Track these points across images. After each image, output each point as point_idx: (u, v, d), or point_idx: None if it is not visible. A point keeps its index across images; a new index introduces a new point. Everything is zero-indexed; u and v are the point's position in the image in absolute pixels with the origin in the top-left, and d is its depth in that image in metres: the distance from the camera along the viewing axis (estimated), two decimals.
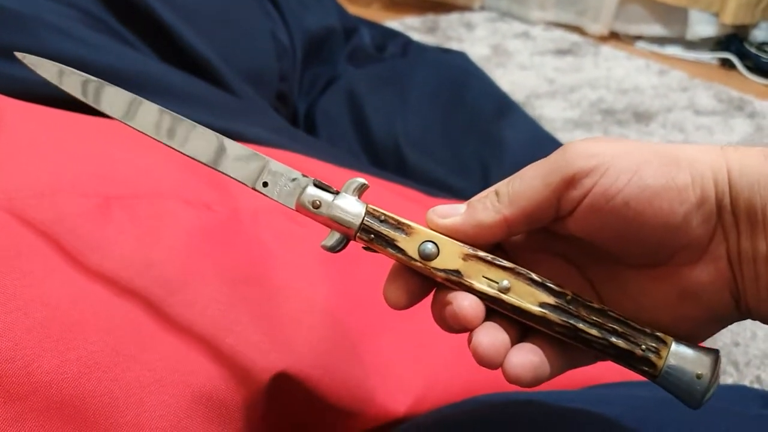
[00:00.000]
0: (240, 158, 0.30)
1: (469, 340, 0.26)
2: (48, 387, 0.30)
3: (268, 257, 0.41)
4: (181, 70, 0.61)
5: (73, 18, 0.56)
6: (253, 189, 0.29)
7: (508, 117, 0.84)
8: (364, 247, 0.29)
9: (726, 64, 1.54)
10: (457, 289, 0.27)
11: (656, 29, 1.65)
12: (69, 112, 0.45)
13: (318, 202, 0.28)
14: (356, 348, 0.39)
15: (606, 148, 0.25)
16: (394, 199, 0.57)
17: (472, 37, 1.66)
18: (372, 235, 0.28)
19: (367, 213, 0.28)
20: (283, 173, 0.29)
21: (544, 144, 0.84)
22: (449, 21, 1.74)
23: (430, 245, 0.27)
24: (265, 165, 0.29)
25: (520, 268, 0.27)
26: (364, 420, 0.38)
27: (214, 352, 0.34)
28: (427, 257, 0.27)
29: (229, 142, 0.30)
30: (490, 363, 0.26)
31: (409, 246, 0.28)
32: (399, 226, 0.28)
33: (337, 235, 0.28)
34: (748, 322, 0.77)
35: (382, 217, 0.28)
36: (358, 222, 0.28)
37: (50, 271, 0.33)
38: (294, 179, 0.29)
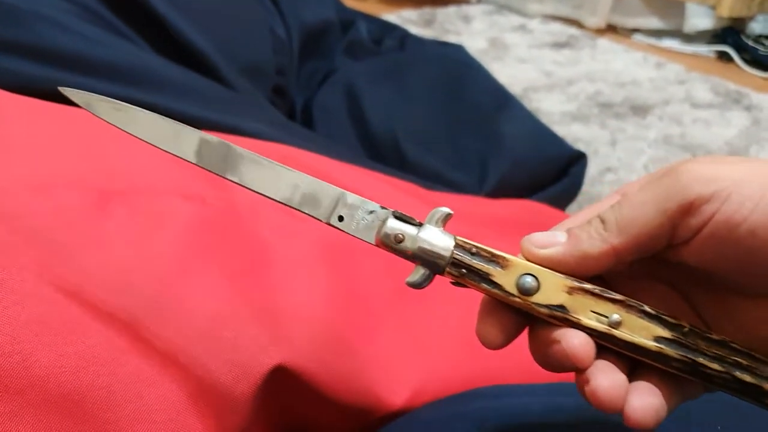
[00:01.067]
0: (312, 191, 0.28)
1: (582, 381, 0.24)
2: (46, 381, 0.30)
3: (266, 251, 0.41)
4: (178, 64, 0.61)
5: (71, 12, 0.56)
6: (328, 224, 0.27)
7: (507, 111, 0.84)
8: (453, 282, 0.27)
9: (723, 56, 1.54)
10: (561, 325, 0.25)
11: (653, 22, 1.65)
12: (66, 106, 0.45)
13: (401, 236, 0.26)
14: (354, 341, 0.40)
15: (726, 171, 0.23)
16: (393, 192, 0.57)
17: (469, 30, 1.65)
18: (463, 270, 0.26)
19: (457, 246, 0.26)
20: (360, 206, 0.27)
21: (542, 138, 0.84)
22: (446, 14, 1.74)
23: (529, 279, 0.25)
24: (339, 198, 0.27)
25: (630, 300, 0.25)
26: (362, 413, 0.38)
27: (213, 346, 0.34)
28: (526, 292, 0.25)
29: (300, 176, 0.28)
30: (611, 407, 0.24)
31: (506, 280, 0.25)
32: (493, 259, 0.26)
33: (422, 271, 0.26)
34: None
35: (474, 250, 0.26)
36: (447, 256, 0.26)
37: (47, 265, 0.33)
38: (372, 211, 0.27)
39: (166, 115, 0.56)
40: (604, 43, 1.59)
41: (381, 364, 0.39)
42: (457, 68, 0.91)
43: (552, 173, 0.81)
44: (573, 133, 1.17)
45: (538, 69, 1.44)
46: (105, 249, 0.36)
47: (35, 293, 0.32)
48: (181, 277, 0.36)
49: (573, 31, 1.66)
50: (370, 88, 0.83)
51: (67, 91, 0.31)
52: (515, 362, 0.43)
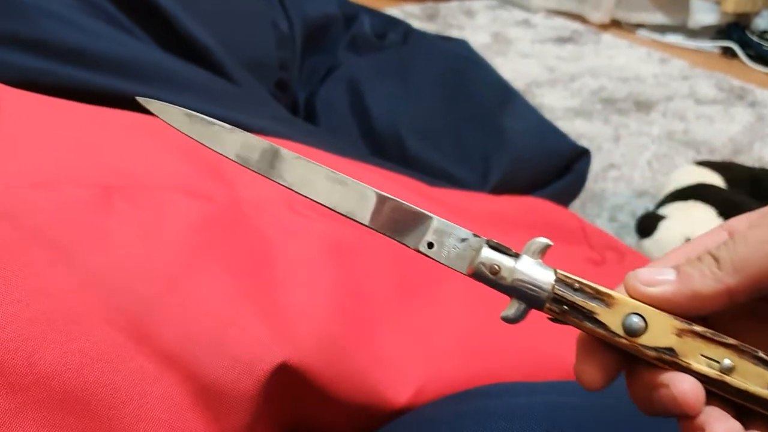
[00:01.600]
0: (399, 215, 0.26)
1: (694, 428, 0.23)
2: (50, 378, 0.30)
3: (270, 249, 0.41)
4: (181, 59, 0.60)
5: (73, 6, 0.56)
6: (416, 251, 0.26)
7: (510, 106, 0.84)
8: (551, 319, 0.25)
9: (727, 52, 1.54)
10: (669, 369, 0.24)
11: (658, 17, 1.64)
12: (69, 101, 0.45)
13: (497, 267, 0.25)
14: (358, 339, 0.40)
15: None
16: (396, 189, 0.57)
17: (472, 25, 1.65)
18: (565, 306, 0.24)
19: (558, 280, 0.25)
20: (452, 232, 0.26)
21: (545, 133, 0.83)
22: (449, 8, 1.73)
23: (636, 319, 0.24)
24: (429, 223, 0.26)
25: (744, 345, 0.24)
26: (365, 411, 0.38)
27: (216, 344, 0.34)
28: (633, 333, 0.24)
29: (387, 197, 0.26)
30: None
31: (612, 319, 0.24)
32: (597, 296, 0.24)
33: (518, 305, 0.25)
34: None
35: (576, 285, 0.24)
36: (547, 291, 0.24)
37: (51, 261, 0.33)
38: (464, 239, 0.26)
39: None
40: (608, 38, 1.58)
41: (384, 362, 0.39)
42: (460, 63, 0.90)
43: (555, 169, 0.81)
44: (576, 129, 1.17)
45: (541, 64, 1.44)
46: (108, 246, 0.35)
47: (39, 290, 0.32)
48: (184, 274, 0.36)
49: (576, 26, 1.65)
50: (372, 83, 0.83)
51: (143, 101, 0.29)
52: (518, 361, 0.43)
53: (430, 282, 0.45)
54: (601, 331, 0.24)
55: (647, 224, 0.82)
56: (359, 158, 0.63)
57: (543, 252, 0.25)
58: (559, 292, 0.24)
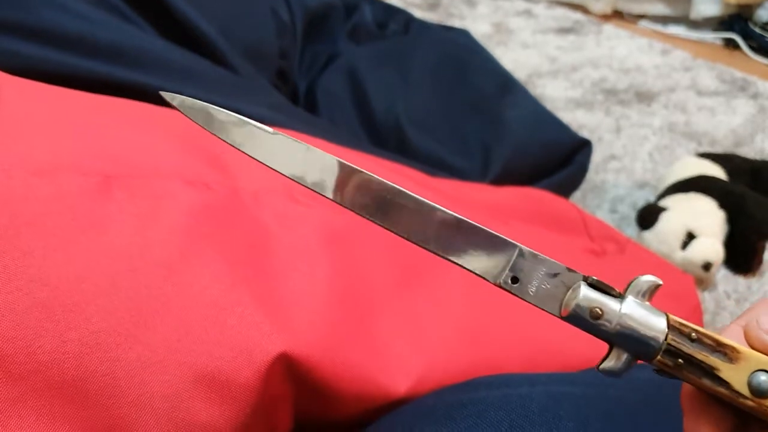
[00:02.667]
0: (479, 242, 0.23)
1: None
2: (49, 367, 0.30)
3: (269, 237, 0.41)
4: (181, 47, 0.60)
5: None
6: (497, 285, 0.23)
7: (511, 96, 0.83)
8: (656, 370, 0.22)
9: (730, 44, 1.53)
10: None
11: (660, 8, 1.63)
12: (69, 89, 0.44)
13: (599, 311, 0.21)
14: (357, 329, 0.39)
15: None
16: (396, 178, 0.56)
17: (473, 15, 1.64)
18: (680, 360, 0.21)
19: (672, 328, 0.21)
20: (541, 265, 0.22)
21: (546, 124, 0.83)
22: None
23: (764, 377, 0.20)
24: (513, 254, 0.22)
25: None
26: (364, 401, 0.38)
27: (216, 333, 0.34)
28: (761, 393, 0.20)
29: (460, 220, 0.23)
30: None
31: (736, 377, 0.21)
32: (719, 348, 0.21)
33: (624, 356, 0.22)
34: (748, 303, 0.77)
35: (694, 335, 0.21)
36: (659, 340, 0.21)
37: (50, 250, 0.33)
38: (556, 274, 0.22)
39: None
40: (610, 29, 1.57)
41: (384, 352, 0.39)
42: (461, 53, 0.90)
43: (556, 160, 0.81)
44: (577, 120, 1.16)
45: (542, 54, 1.43)
46: (107, 234, 0.35)
47: (38, 279, 0.32)
48: (183, 262, 0.36)
49: (578, 16, 1.64)
50: (373, 72, 0.83)
51: (177, 100, 0.27)
52: (518, 352, 0.43)
53: (429, 272, 0.45)
54: (722, 389, 0.21)
55: (648, 216, 0.82)
56: (359, 148, 0.62)
57: (651, 293, 0.22)
58: (674, 343, 0.21)
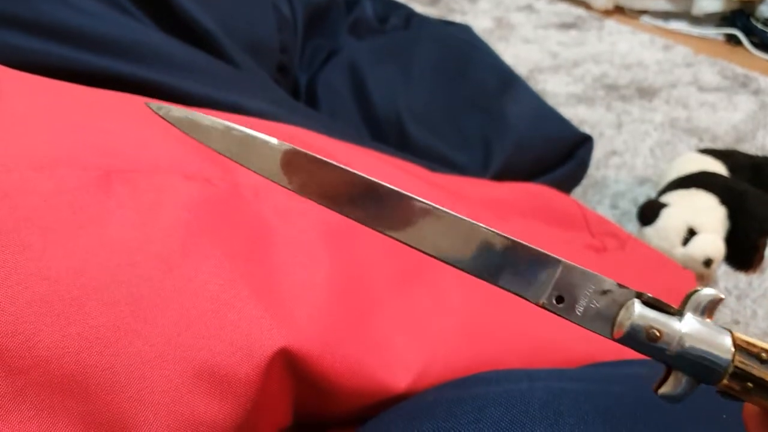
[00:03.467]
0: (517, 259, 0.21)
1: None
2: (49, 362, 0.30)
3: (269, 232, 0.41)
4: (182, 41, 0.60)
5: None
6: (540, 305, 0.21)
7: (512, 91, 0.83)
8: (720, 392, 0.20)
9: (732, 40, 1.53)
10: None
11: (661, 4, 1.63)
12: (69, 83, 0.44)
13: (656, 333, 0.20)
14: (357, 324, 0.39)
15: None
16: (397, 173, 0.56)
17: (474, 10, 1.63)
18: (749, 384, 0.19)
19: (738, 348, 0.19)
20: (589, 282, 0.20)
21: (548, 119, 0.83)
22: None
23: None
24: (557, 271, 0.20)
25: None
26: (364, 396, 0.38)
27: (216, 328, 0.34)
28: None
29: (497, 236, 0.21)
30: None
31: None
32: None
33: (684, 380, 0.20)
34: (749, 300, 0.77)
35: (764, 355, 0.19)
36: (725, 362, 0.19)
37: (50, 244, 0.33)
38: (606, 291, 0.20)
39: (168, 92, 0.55)
40: (612, 24, 1.57)
41: (384, 347, 0.39)
42: (462, 48, 0.90)
43: (557, 156, 0.80)
44: (578, 115, 1.16)
45: (544, 50, 1.43)
46: (107, 229, 0.35)
47: (38, 273, 0.32)
48: (183, 257, 0.36)
49: (580, 12, 1.64)
50: (374, 67, 0.82)
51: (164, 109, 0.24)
52: (519, 347, 0.43)
53: (430, 267, 0.45)
54: None
55: (649, 212, 0.81)
56: (360, 143, 0.62)
57: (712, 309, 0.20)
58: (742, 365, 0.19)
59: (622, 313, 0.20)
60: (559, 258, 0.21)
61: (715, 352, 0.20)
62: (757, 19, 1.51)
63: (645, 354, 0.20)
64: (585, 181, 0.92)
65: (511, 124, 0.78)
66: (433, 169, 0.66)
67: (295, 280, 0.38)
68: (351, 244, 0.44)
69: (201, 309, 0.34)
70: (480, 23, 1.53)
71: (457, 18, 1.53)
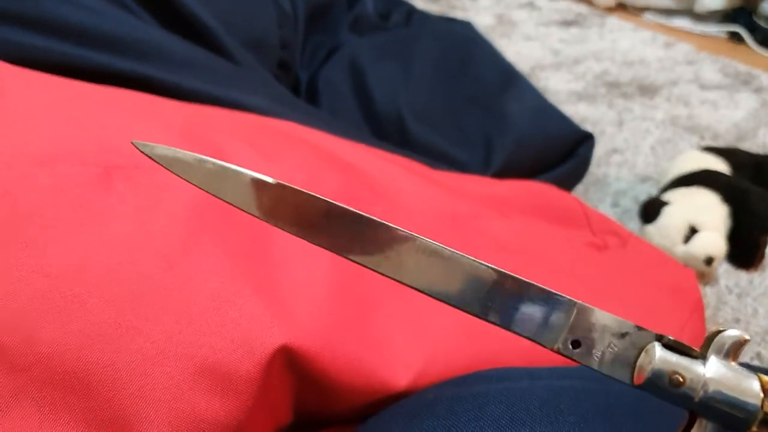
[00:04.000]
0: (528, 301, 0.19)
1: None
2: (50, 358, 0.30)
3: (270, 229, 0.41)
4: (182, 37, 0.60)
5: None
6: (555, 351, 0.20)
7: (513, 89, 0.83)
8: None
9: (734, 37, 1.52)
10: None
11: (664, 1, 1.62)
12: (69, 79, 0.44)
13: (680, 378, 0.18)
14: (358, 322, 0.39)
15: None
16: (397, 171, 0.56)
17: (476, 6, 1.63)
18: None
19: None
20: (607, 326, 0.19)
21: (549, 117, 0.83)
22: None
23: None
24: (572, 313, 0.19)
25: None
26: (365, 394, 0.38)
27: (217, 325, 0.34)
28: None
29: (507, 275, 0.19)
30: None
31: None
32: None
33: (710, 428, 0.19)
34: (749, 298, 0.77)
35: None
36: (754, 409, 0.18)
37: (51, 241, 0.33)
38: (624, 334, 0.19)
39: (169, 88, 0.55)
40: (613, 21, 1.57)
41: (385, 345, 0.39)
42: (463, 45, 0.89)
43: (558, 153, 0.80)
44: (580, 113, 1.16)
45: (545, 47, 1.43)
46: (107, 225, 0.35)
47: (39, 269, 0.32)
48: (184, 254, 0.36)
49: (582, 9, 1.63)
50: (375, 64, 0.82)
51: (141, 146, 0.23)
52: (518, 346, 0.43)
53: None
54: None
55: (650, 210, 0.81)
56: (361, 140, 0.62)
57: (737, 351, 0.19)
58: None
59: (642, 357, 0.19)
60: (573, 299, 0.19)
61: (743, 398, 0.18)
62: (760, 17, 1.51)
63: (667, 400, 0.19)
64: (586, 179, 0.92)
65: (513, 121, 0.77)
66: (433, 166, 0.66)
67: (295, 277, 0.38)
68: None
69: (202, 306, 0.34)
70: (481, 20, 1.53)
71: (459, 15, 1.53)
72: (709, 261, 0.76)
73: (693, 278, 0.64)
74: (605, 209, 0.92)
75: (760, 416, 0.18)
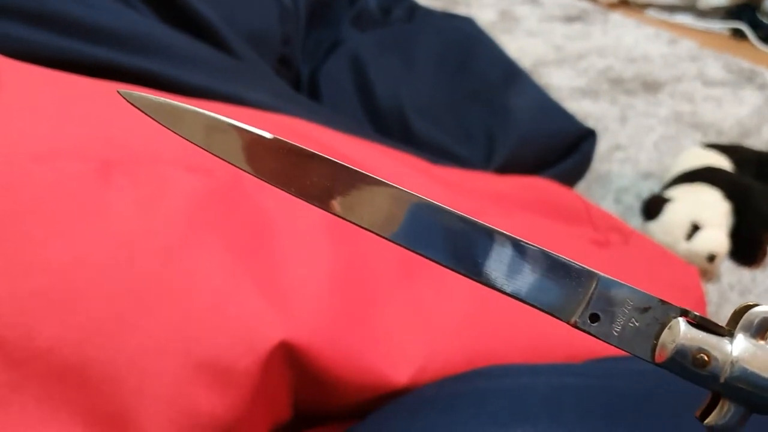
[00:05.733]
0: (547, 271, 0.18)
1: None
2: (50, 353, 0.30)
3: (271, 225, 0.41)
4: (183, 32, 0.60)
5: None
6: (572, 325, 0.19)
7: (515, 85, 0.83)
8: None
9: (737, 34, 1.52)
10: None
11: None
12: (70, 74, 0.44)
13: (705, 357, 0.17)
14: (358, 318, 0.39)
15: None
16: (399, 166, 0.56)
17: (478, 2, 1.63)
18: None
19: None
20: (627, 299, 0.18)
21: (551, 113, 0.83)
22: None
23: None
24: (592, 286, 0.18)
25: None
26: (365, 391, 0.38)
27: (217, 320, 0.34)
28: None
29: (524, 245, 0.18)
30: None
31: None
32: None
33: (734, 409, 0.18)
34: (752, 295, 0.76)
35: None
36: None
37: (51, 236, 0.33)
38: (646, 309, 0.18)
39: (169, 83, 0.55)
40: (616, 17, 1.56)
41: (386, 341, 0.39)
42: (465, 41, 0.89)
43: (561, 149, 0.80)
44: (583, 109, 1.15)
45: (548, 43, 1.42)
46: (108, 220, 0.35)
47: (39, 264, 0.32)
48: (184, 249, 0.36)
49: (585, 5, 1.63)
50: (376, 60, 0.82)
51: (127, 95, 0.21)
52: (521, 342, 0.43)
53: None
54: None
55: (653, 207, 0.81)
56: (362, 135, 0.62)
57: (766, 330, 0.18)
58: None
59: (666, 333, 0.18)
60: (594, 270, 0.18)
61: None
62: (763, 13, 1.50)
63: (690, 380, 0.18)
64: (589, 176, 0.92)
65: (515, 117, 0.77)
66: (435, 162, 0.66)
67: (296, 272, 0.38)
68: (353, 236, 0.43)
69: (202, 301, 0.34)
70: (484, 16, 1.53)
71: (461, 10, 1.53)
72: (711, 258, 0.76)
73: (695, 275, 0.63)
74: (607, 206, 0.92)
75: None
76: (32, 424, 0.30)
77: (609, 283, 0.18)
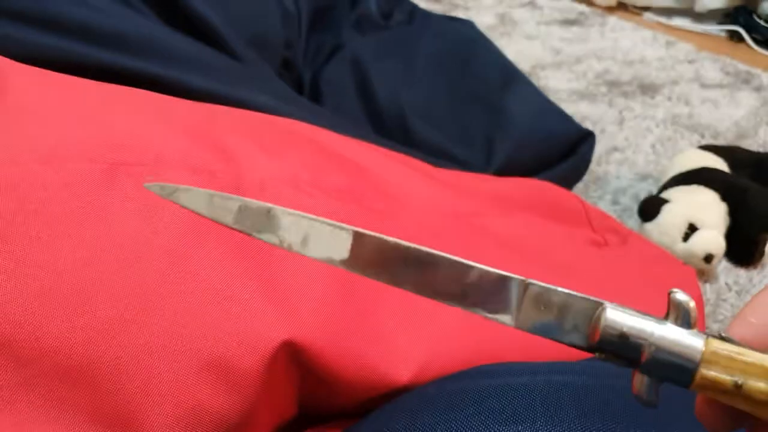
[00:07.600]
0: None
1: None
2: (56, 352, 0.31)
3: None
4: (186, 35, 0.60)
5: None
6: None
7: (514, 87, 0.83)
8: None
9: (734, 36, 1.52)
10: None
11: (664, 0, 1.63)
12: (75, 77, 0.45)
13: (628, 337, 0.20)
14: (360, 317, 0.40)
15: None
16: (400, 168, 0.57)
17: (477, 5, 1.63)
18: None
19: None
20: (564, 304, 0.21)
21: (550, 115, 0.83)
22: None
23: None
24: (599, 316, 0.20)
25: None
26: (367, 390, 0.38)
27: (221, 320, 0.34)
28: None
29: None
30: None
31: None
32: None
33: (646, 383, 0.21)
34: (749, 295, 0.77)
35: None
36: (693, 368, 0.20)
37: (57, 237, 0.33)
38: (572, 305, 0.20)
39: (173, 86, 0.55)
40: (614, 20, 1.57)
41: (387, 341, 0.40)
42: (465, 44, 0.90)
43: (559, 151, 0.81)
44: (580, 112, 1.16)
45: (546, 46, 1.43)
46: (113, 221, 0.36)
47: (46, 265, 0.32)
48: (189, 250, 0.36)
49: (582, 8, 1.64)
50: (377, 62, 0.83)
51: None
52: (519, 341, 0.43)
53: None
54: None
55: (650, 208, 0.82)
56: (364, 138, 0.62)
57: (692, 317, 0.20)
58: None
59: (596, 317, 0.21)
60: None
61: (684, 359, 0.20)
62: (760, 16, 1.51)
63: (617, 362, 0.21)
64: (586, 177, 0.92)
65: (514, 119, 0.78)
66: (435, 164, 0.67)
67: (299, 273, 0.39)
68: None
69: (206, 302, 0.35)
70: (483, 19, 1.53)
71: (460, 14, 1.53)
72: (708, 259, 0.77)
73: (693, 276, 0.64)
74: (605, 207, 0.92)
75: (698, 377, 0.20)
76: (39, 422, 0.30)
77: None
